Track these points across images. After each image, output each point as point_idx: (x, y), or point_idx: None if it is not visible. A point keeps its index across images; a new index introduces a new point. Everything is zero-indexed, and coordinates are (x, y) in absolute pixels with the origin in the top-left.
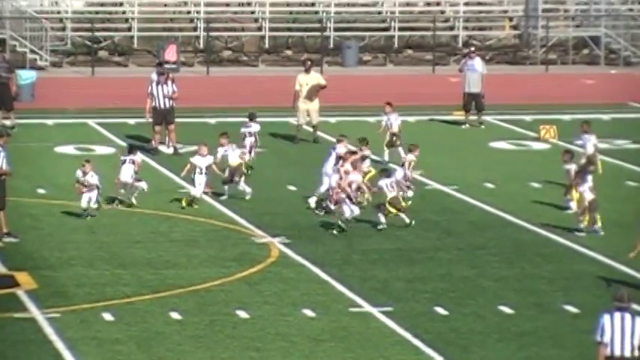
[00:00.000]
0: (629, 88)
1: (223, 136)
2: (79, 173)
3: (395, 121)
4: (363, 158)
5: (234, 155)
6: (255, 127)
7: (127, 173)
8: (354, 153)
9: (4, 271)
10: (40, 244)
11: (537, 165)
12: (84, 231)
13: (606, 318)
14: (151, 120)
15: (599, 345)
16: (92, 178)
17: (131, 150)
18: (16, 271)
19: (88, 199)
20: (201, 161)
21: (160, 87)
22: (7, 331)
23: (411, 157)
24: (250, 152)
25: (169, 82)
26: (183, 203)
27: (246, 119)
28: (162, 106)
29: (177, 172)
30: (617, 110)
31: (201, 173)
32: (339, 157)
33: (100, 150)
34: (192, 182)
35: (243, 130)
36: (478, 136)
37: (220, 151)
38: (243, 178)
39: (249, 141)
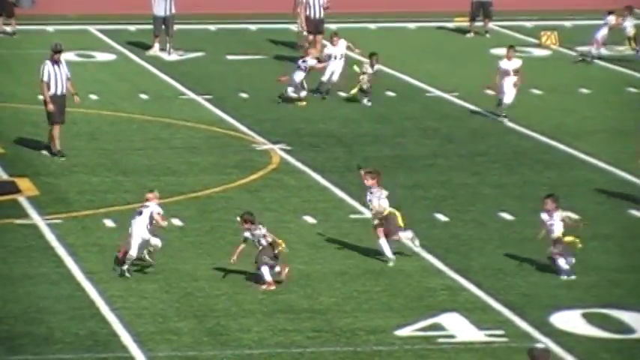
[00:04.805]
0: None
1: None
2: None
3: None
4: None
5: None
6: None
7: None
8: None
9: (6, 178)
10: (42, 151)
11: (538, 71)
12: (85, 138)
13: None
14: (305, 33)
15: None
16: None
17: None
18: (17, 178)
19: (149, 248)
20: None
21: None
22: (8, 237)
23: None
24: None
25: None
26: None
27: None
28: (316, 15)
29: (178, 79)
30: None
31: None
32: None
33: (101, 56)
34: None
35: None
36: (479, 43)
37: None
38: None
39: (339, 64)
